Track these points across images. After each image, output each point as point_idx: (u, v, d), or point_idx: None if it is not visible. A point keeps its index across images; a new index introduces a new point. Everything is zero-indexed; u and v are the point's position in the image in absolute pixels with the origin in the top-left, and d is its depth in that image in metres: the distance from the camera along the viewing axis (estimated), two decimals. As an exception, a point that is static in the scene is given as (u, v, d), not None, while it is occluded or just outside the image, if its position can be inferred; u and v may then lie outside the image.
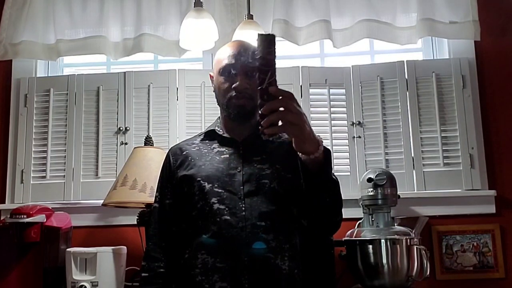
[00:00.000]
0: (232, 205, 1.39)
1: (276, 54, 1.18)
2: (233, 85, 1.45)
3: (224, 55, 1.49)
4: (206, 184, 1.42)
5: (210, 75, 1.59)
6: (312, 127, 1.24)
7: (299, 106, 1.19)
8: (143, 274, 1.47)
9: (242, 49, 1.49)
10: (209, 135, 1.55)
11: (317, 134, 1.26)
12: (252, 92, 1.45)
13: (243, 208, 1.39)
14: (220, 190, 1.41)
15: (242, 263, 1.35)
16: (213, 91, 1.56)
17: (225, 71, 1.48)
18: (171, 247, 1.48)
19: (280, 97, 1.17)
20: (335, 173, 1.41)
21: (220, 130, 1.53)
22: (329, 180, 1.32)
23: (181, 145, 1.57)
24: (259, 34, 1.19)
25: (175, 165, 1.51)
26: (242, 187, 1.41)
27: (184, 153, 1.52)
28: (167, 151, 1.60)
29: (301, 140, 1.21)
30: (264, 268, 1.35)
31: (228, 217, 1.38)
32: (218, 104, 1.54)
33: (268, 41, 1.18)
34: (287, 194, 1.42)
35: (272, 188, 1.41)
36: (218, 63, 1.51)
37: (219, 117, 1.59)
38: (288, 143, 1.52)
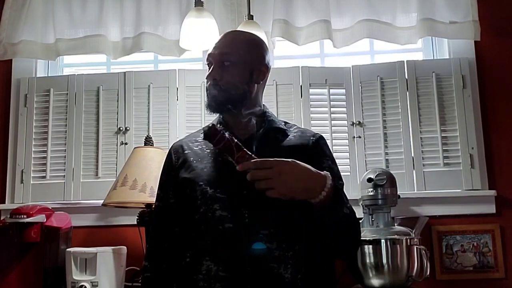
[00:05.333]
0: (234, 212, 1.35)
1: (226, 136, 1.24)
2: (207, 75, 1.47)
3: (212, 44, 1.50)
4: (208, 188, 1.39)
5: None
6: (312, 172, 1.26)
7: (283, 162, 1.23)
8: (145, 274, 1.46)
9: (224, 39, 1.49)
10: None
11: (324, 173, 1.27)
12: (225, 83, 1.43)
13: (246, 216, 1.35)
14: (222, 196, 1.37)
15: (245, 272, 1.32)
16: None
17: (207, 61, 1.49)
18: (172, 248, 1.45)
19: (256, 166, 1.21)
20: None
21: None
22: (338, 219, 1.30)
23: (184, 142, 1.54)
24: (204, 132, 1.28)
25: (177, 163, 1.48)
26: (244, 192, 1.35)
27: (186, 152, 1.48)
28: (167, 151, 1.58)
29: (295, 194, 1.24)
30: (267, 278, 1.32)
31: (231, 225, 1.34)
32: None
33: (208, 136, 1.25)
34: (291, 200, 1.30)
35: None
36: None
37: None
38: (293, 145, 1.47)
